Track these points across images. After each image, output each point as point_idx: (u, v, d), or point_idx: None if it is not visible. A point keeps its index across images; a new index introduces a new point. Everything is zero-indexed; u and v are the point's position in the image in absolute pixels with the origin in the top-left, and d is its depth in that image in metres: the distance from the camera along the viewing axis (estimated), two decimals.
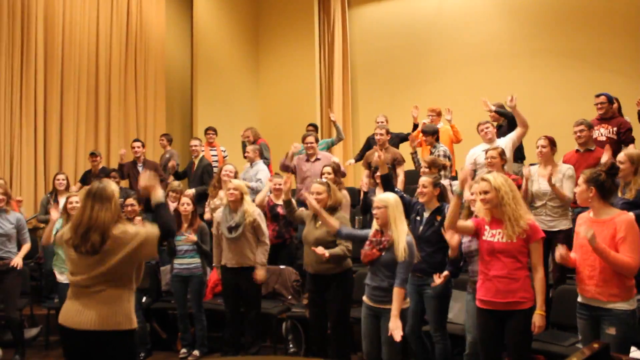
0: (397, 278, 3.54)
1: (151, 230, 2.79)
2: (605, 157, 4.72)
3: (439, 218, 4.02)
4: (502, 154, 4.75)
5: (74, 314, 2.75)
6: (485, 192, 3.27)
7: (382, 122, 7.05)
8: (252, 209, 4.86)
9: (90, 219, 2.74)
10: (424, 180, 4.13)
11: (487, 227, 3.35)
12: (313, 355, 4.38)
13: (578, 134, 4.94)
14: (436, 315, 4.05)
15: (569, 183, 4.52)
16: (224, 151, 7.76)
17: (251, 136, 7.43)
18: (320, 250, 4.06)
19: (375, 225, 3.71)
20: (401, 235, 3.56)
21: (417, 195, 4.18)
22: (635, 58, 7.57)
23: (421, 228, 4.08)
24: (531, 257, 3.23)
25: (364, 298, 3.78)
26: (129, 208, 5.35)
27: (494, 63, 8.61)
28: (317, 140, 6.47)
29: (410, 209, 4.22)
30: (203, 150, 7.46)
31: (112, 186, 2.86)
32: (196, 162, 7.07)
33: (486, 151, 4.88)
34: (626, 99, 6.70)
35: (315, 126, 7.89)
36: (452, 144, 6.85)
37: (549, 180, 4.41)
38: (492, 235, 3.28)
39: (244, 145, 7.45)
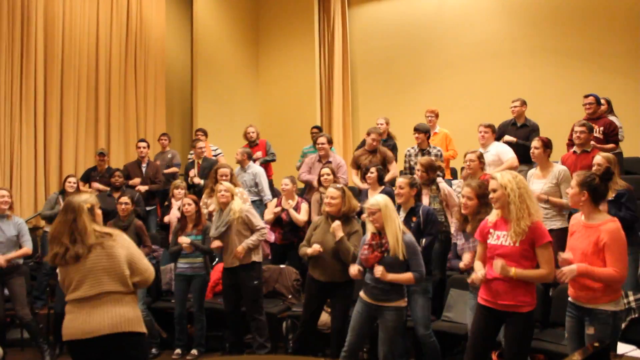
0: (413, 271, 3.62)
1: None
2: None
3: (414, 219, 4.08)
4: (480, 157, 4.75)
5: (81, 324, 2.73)
6: (494, 191, 3.21)
7: (381, 124, 7.04)
8: (237, 207, 4.83)
9: (54, 230, 2.89)
10: (400, 181, 4.19)
11: (491, 229, 3.27)
12: (307, 354, 4.39)
13: (578, 134, 4.95)
14: (423, 314, 4.05)
15: (566, 187, 4.50)
16: (216, 149, 7.75)
17: (256, 133, 7.39)
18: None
19: (371, 228, 3.72)
20: (396, 234, 3.60)
21: (395, 196, 4.23)
22: (634, 58, 7.58)
23: None
24: (538, 261, 3.11)
25: (361, 294, 3.77)
26: (122, 207, 5.37)
27: (494, 63, 8.62)
28: (330, 142, 6.44)
29: None
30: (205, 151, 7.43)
31: (80, 198, 2.95)
32: (200, 162, 7.04)
33: (465, 155, 4.88)
34: (625, 98, 6.72)
35: (319, 128, 7.85)
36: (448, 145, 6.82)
37: (540, 197, 4.38)
38: (497, 238, 3.20)
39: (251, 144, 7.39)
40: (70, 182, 6.25)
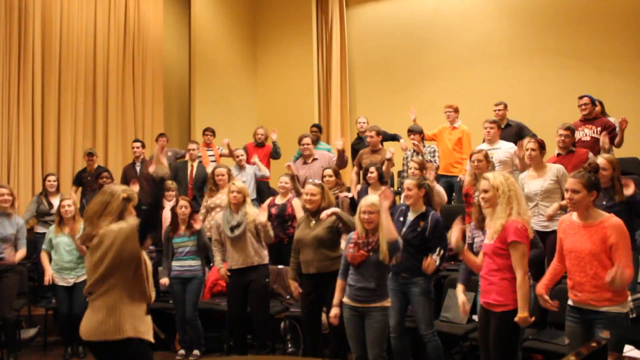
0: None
1: (131, 223, 2.75)
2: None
3: (422, 224, 4.02)
4: (486, 156, 4.72)
5: (83, 321, 2.77)
6: (485, 191, 3.23)
7: (364, 122, 7.07)
8: (253, 211, 4.83)
9: (86, 211, 2.85)
10: (408, 183, 4.15)
11: (486, 229, 3.36)
12: (308, 355, 4.37)
13: (563, 137, 4.90)
14: (425, 314, 4.04)
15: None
16: (220, 150, 7.71)
17: (264, 135, 7.33)
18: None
19: (359, 226, 3.69)
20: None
21: (404, 198, 4.20)
22: (633, 58, 7.59)
23: (404, 230, 4.08)
24: (512, 264, 3.12)
25: (345, 300, 3.74)
26: None
27: (492, 63, 8.62)
28: (315, 141, 6.43)
29: (394, 210, 4.25)
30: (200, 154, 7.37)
31: (121, 186, 2.93)
32: (195, 165, 6.99)
33: (471, 155, 4.86)
34: (623, 99, 6.73)
35: (319, 127, 7.80)
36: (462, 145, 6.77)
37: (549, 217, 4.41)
38: (484, 236, 3.35)
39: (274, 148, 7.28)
40: (50, 181, 6.22)
